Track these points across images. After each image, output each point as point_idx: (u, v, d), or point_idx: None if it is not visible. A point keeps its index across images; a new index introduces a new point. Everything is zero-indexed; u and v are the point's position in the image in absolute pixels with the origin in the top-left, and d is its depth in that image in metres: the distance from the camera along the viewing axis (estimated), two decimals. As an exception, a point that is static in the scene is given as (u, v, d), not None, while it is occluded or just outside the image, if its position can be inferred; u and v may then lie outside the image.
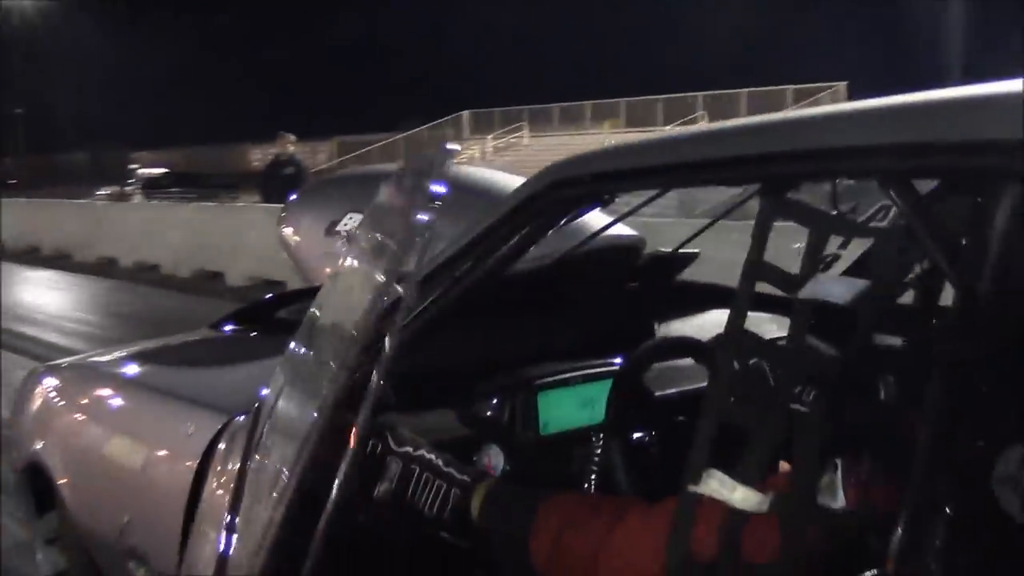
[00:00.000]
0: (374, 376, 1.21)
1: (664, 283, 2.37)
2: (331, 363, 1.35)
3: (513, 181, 2.33)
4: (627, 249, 2.30)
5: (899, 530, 0.89)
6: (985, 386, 0.88)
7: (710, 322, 2.21)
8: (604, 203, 1.51)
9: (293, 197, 3.36)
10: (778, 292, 1.16)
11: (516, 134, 37.72)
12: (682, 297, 2.36)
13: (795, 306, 1.13)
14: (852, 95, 29.80)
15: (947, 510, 0.86)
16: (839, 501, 1.10)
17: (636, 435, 1.66)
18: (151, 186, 35.08)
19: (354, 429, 1.19)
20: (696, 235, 2.21)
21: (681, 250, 2.33)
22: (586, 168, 1.42)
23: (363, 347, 1.31)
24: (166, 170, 40.13)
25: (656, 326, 2.31)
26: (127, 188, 36.00)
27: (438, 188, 1.21)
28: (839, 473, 1.14)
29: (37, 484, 2.59)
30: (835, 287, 1.15)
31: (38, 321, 8.27)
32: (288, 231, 3.09)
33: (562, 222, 1.55)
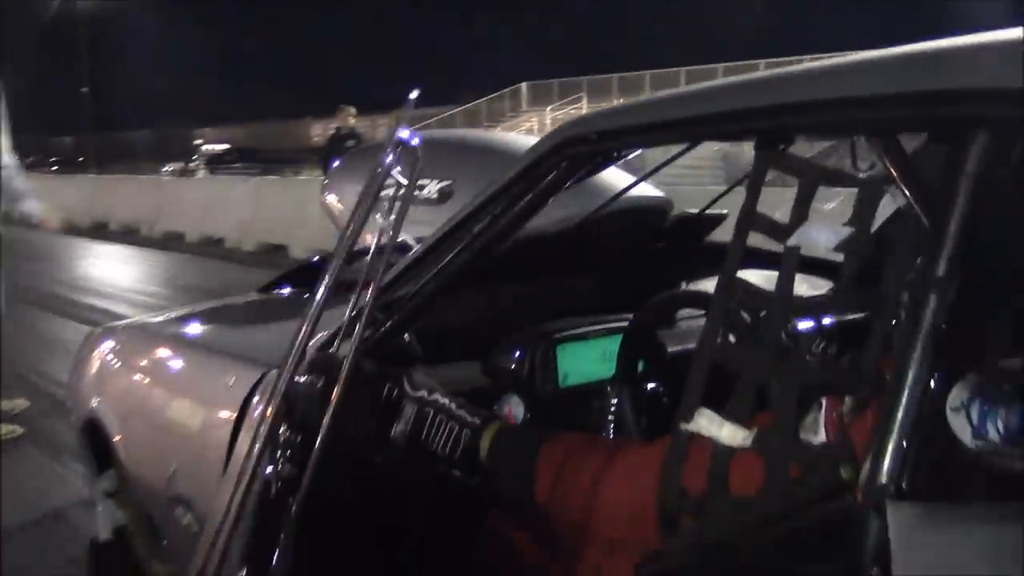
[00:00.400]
0: (361, 320, 1.29)
1: (691, 244, 2.41)
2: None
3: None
4: (653, 210, 2.35)
5: (867, 462, 0.95)
6: (942, 322, 0.92)
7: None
8: (615, 160, 1.57)
9: (336, 165, 3.45)
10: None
11: (574, 105, 37.56)
12: (709, 257, 2.39)
13: (784, 253, 1.18)
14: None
15: (903, 440, 0.91)
16: (820, 438, 1.16)
17: (649, 387, 1.72)
18: (214, 162, 35.67)
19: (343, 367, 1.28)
20: (722, 196, 2.25)
21: (708, 211, 2.37)
22: (594, 126, 1.47)
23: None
24: (228, 146, 40.78)
25: (684, 285, 2.36)
26: (191, 164, 36.67)
27: (404, 133, 1.28)
28: (822, 412, 1.19)
29: (96, 441, 2.74)
30: (821, 235, 1.20)
31: (108, 294, 8.55)
32: (331, 198, 3.18)
33: (574, 180, 1.60)
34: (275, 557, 1.18)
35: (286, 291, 2.96)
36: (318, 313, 1.31)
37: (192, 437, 2.10)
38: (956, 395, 0.89)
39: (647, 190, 2.34)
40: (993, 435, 0.87)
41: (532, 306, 2.12)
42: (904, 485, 0.90)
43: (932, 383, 0.91)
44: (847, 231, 1.15)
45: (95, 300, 8.11)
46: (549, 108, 37.23)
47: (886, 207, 1.33)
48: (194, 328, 2.65)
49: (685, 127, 1.34)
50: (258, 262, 10.84)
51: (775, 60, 32.06)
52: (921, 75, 1.06)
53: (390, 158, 1.31)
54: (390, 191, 2.45)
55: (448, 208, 2.94)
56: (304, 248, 10.96)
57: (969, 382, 0.89)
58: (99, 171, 30.71)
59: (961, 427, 0.88)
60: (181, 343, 2.47)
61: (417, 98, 1.59)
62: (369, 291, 1.34)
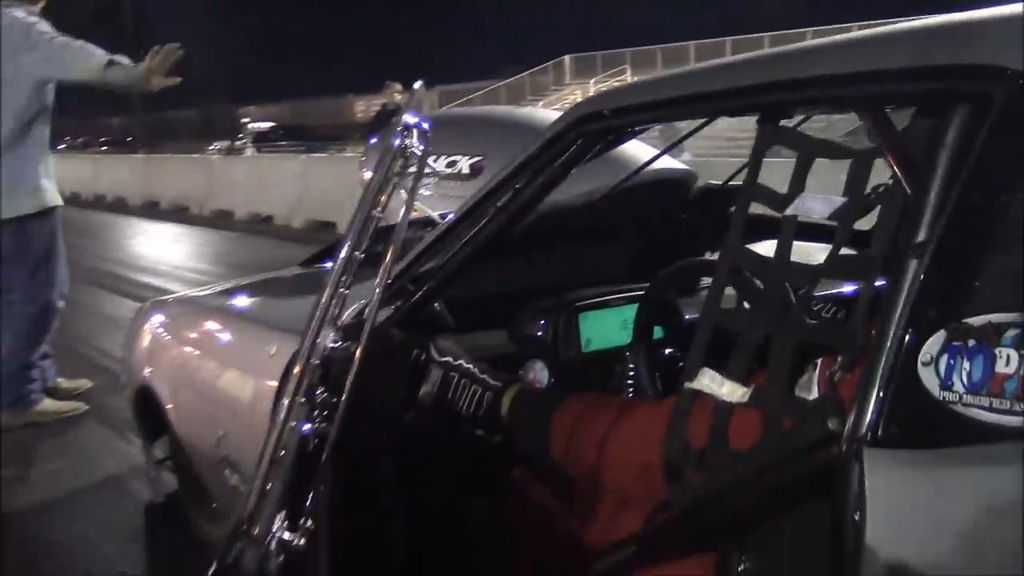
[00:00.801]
0: (376, 291, 1.39)
1: (715, 214, 2.47)
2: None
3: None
4: (678, 182, 2.42)
5: (852, 414, 1.02)
6: (917, 279, 1.00)
7: (767, 249, 2.31)
8: (629, 136, 1.64)
9: (373, 141, 3.56)
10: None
11: (618, 78, 37.35)
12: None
13: (782, 222, 1.26)
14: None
15: (881, 392, 0.99)
16: (813, 394, 1.24)
17: (666, 352, 1.79)
18: (260, 140, 36.00)
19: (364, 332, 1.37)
20: (741, 170, 2.30)
21: (731, 183, 2.43)
22: (608, 103, 1.55)
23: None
24: (273, 124, 41.13)
25: (708, 255, 2.42)
26: (237, 142, 37.06)
27: (412, 118, 1.36)
28: (816, 371, 1.27)
29: (149, 410, 2.88)
30: (816, 204, 1.27)
31: (161, 272, 8.77)
32: (368, 175, 3.27)
33: (591, 156, 1.68)
34: (308, 502, 1.29)
35: (327, 266, 3.07)
36: (338, 279, 1.41)
37: (238, 403, 2.22)
38: (926, 350, 0.96)
39: (671, 163, 2.41)
40: (958, 387, 0.94)
41: (558, 276, 2.20)
42: (880, 434, 0.98)
43: (906, 340, 0.99)
44: (841, 201, 1.22)
45: (148, 278, 8.32)
46: (593, 80, 37.06)
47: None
48: (239, 301, 2.77)
49: (693, 103, 1.42)
50: (307, 239, 10.95)
51: (822, 28, 31.60)
52: (905, 52, 1.13)
53: (397, 141, 1.40)
54: (430, 187, 2.56)
55: (479, 183, 3.02)
56: (352, 224, 11.06)
57: (938, 338, 0.96)
58: (147, 150, 31.22)
59: (931, 380, 0.96)
60: (227, 315, 2.59)
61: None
62: (388, 257, 1.44)
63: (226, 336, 2.46)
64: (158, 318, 2.93)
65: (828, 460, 1.04)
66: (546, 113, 3.07)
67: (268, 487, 1.27)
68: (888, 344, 1.00)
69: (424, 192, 2.91)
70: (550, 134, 1.63)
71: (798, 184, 1.29)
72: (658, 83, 1.52)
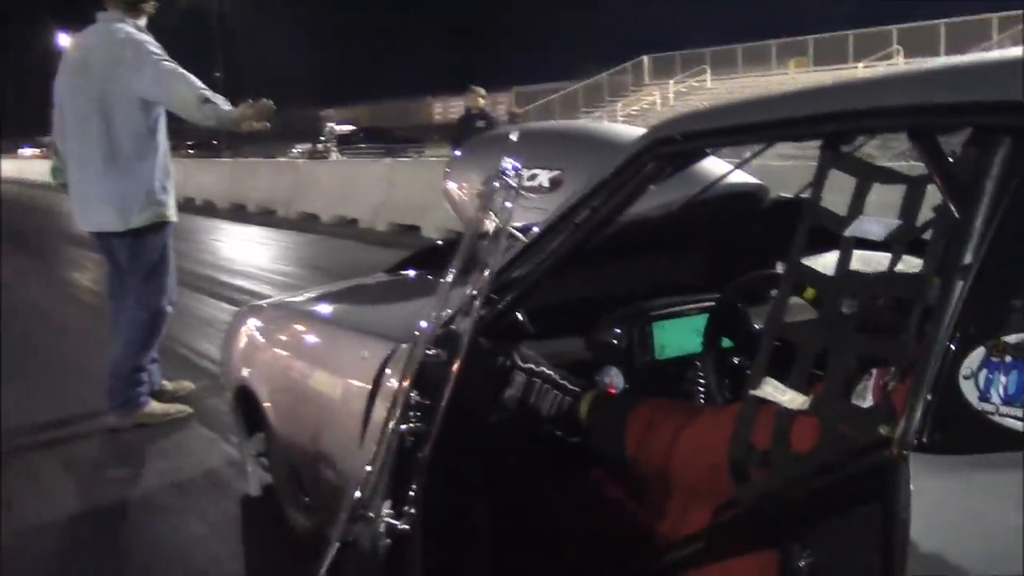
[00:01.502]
0: (475, 302, 1.52)
1: (786, 227, 2.55)
2: (467, 290, 1.68)
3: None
4: (750, 195, 2.51)
5: (902, 421, 1.13)
6: (961, 299, 1.10)
7: (830, 263, 2.39)
8: (700, 159, 1.75)
9: (456, 155, 3.70)
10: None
11: (698, 78, 37.06)
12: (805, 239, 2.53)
13: (841, 241, 1.37)
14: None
15: (926, 402, 1.09)
16: (867, 402, 1.33)
17: (735, 360, 1.90)
18: (342, 142, 36.54)
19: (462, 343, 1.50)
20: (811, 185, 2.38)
21: (803, 195, 2.51)
22: (681, 128, 1.67)
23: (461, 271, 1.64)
24: (353, 127, 41.70)
25: (779, 267, 2.50)
26: (319, 145, 37.69)
27: (508, 163, 1.48)
28: (871, 380, 1.37)
29: (247, 407, 3.07)
30: (873, 226, 1.37)
31: (251, 275, 9.08)
32: (451, 186, 3.42)
33: (664, 177, 1.79)
34: (409, 494, 1.43)
35: (411, 273, 3.24)
36: (446, 295, 1.54)
37: (333, 403, 2.38)
38: (967, 365, 1.06)
39: (744, 176, 2.50)
40: (995, 399, 1.04)
41: (633, 285, 2.31)
42: (925, 440, 1.08)
43: (950, 355, 1.09)
44: (896, 223, 1.32)
45: (239, 280, 8.63)
46: (672, 80, 36.83)
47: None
48: (330, 306, 2.95)
49: (760, 130, 1.53)
50: (391, 242, 11.19)
51: (908, 25, 30.85)
52: (954, 88, 1.22)
53: (496, 185, 1.53)
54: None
55: (558, 196, 3.15)
56: (436, 228, 11.26)
57: (978, 354, 1.05)
58: (231, 153, 31.98)
59: (971, 392, 1.05)
60: (320, 320, 2.77)
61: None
62: (485, 275, 1.57)
63: (321, 340, 2.62)
64: (255, 322, 3.12)
65: (880, 463, 1.14)
66: (622, 128, 3.18)
67: (377, 479, 1.41)
68: (933, 358, 1.10)
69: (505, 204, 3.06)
70: (627, 156, 1.75)
71: (857, 206, 1.39)
72: (727, 111, 1.63)
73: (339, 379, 2.40)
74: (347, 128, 41.25)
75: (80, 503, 3.54)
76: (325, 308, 2.89)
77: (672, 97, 36.31)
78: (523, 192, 2.23)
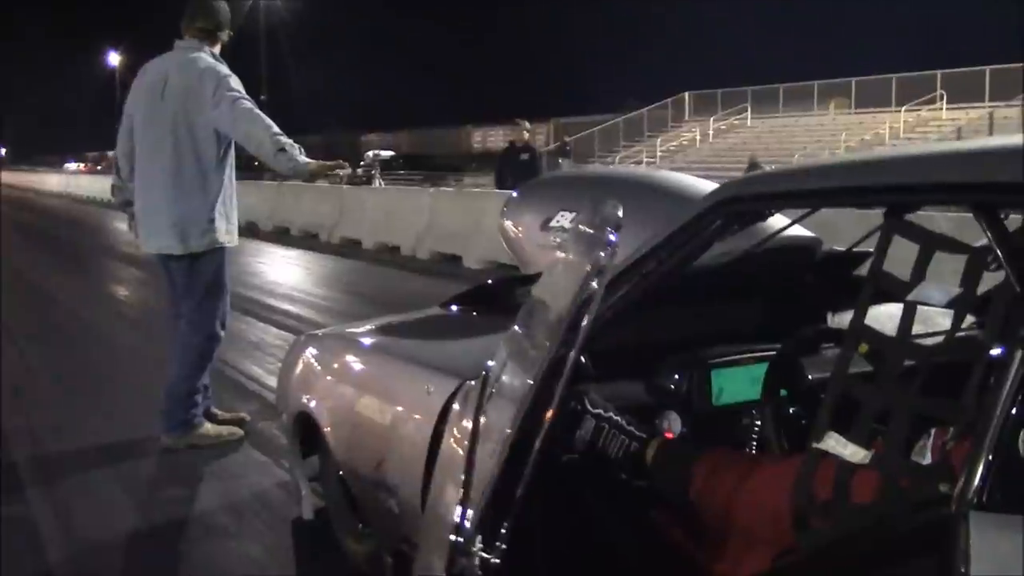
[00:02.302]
0: (572, 352, 1.59)
1: (838, 278, 2.64)
2: (545, 341, 1.76)
3: (707, 187, 2.66)
4: (805, 248, 2.59)
5: (961, 479, 1.20)
6: (1022, 366, 1.17)
7: (882, 315, 2.47)
8: (764, 218, 1.85)
9: (514, 195, 3.80)
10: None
11: (739, 115, 37.13)
12: (855, 292, 2.61)
13: (904, 306, 1.46)
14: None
15: (987, 463, 1.17)
16: (927, 460, 1.41)
17: (791, 410, 1.97)
18: (382, 168, 36.76)
19: (556, 394, 1.58)
20: (865, 238, 2.47)
21: (855, 249, 2.59)
22: (750, 189, 1.77)
23: (567, 328, 1.70)
24: (393, 153, 42.03)
25: (830, 317, 2.58)
26: (359, 170, 37.90)
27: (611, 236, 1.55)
28: (931, 439, 1.45)
29: (304, 433, 3.17)
30: (934, 292, 1.45)
31: (296, 299, 9.24)
32: (509, 224, 3.52)
33: (731, 233, 1.88)
34: (502, 530, 1.52)
35: (455, 309, 3.34)
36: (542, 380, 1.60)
37: (397, 434, 2.48)
38: (1024, 435, 1.14)
39: (800, 230, 2.59)
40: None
41: (691, 332, 2.39)
42: (985, 498, 1.16)
43: (1010, 419, 1.17)
44: (957, 290, 1.40)
45: (286, 304, 8.77)
46: (712, 118, 36.90)
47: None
48: (393, 339, 3.04)
49: (826, 196, 1.62)
50: (432, 271, 11.36)
51: (952, 71, 30.70)
52: (1012, 168, 1.31)
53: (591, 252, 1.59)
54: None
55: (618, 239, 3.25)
56: (477, 259, 11.40)
57: (1038, 424, 1.14)
58: (273, 175, 32.34)
59: (1030, 455, 1.13)
60: (384, 351, 2.87)
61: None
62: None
63: (385, 372, 2.72)
64: (316, 350, 3.23)
65: (939, 519, 1.22)
66: (679, 176, 3.27)
67: (479, 513, 1.50)
68: (995, 422, 1.18)
69: (555, 243, 3.18)
70: (696, 211, 1.85)
71: (919, 273, 1.48)
72: (792, 176, 1.72)
73: (403, 411, 2.49)
74: (386, 154, 41.57)
75: (138, 521, 3.66)
76: (388, 340, 2.99)
77: (711, 134, 36.38)
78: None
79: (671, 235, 1.88)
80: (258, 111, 4.22)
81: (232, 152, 4.37)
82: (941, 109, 30.69)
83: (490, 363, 2.17)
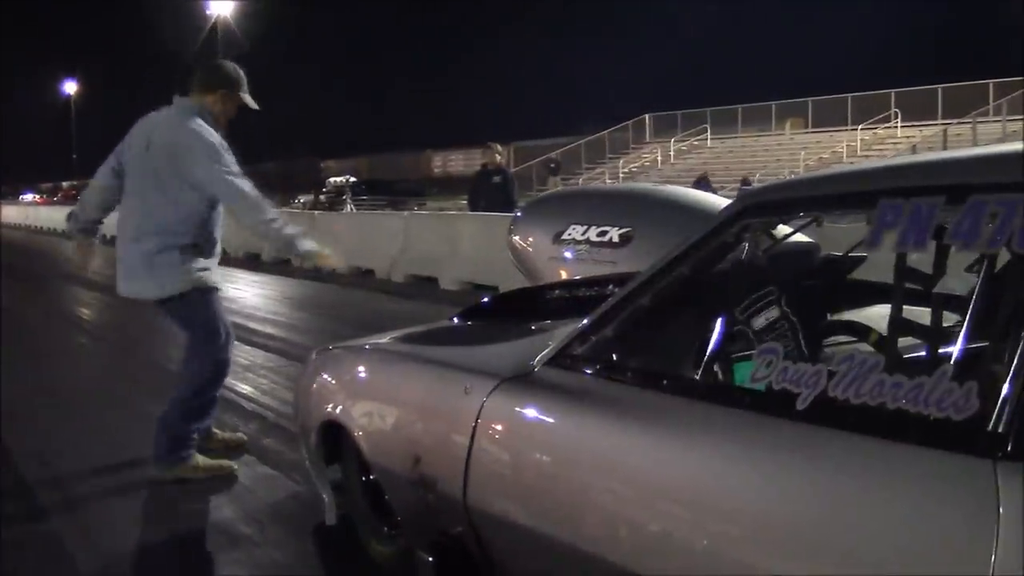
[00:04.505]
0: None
1: (836, 281, 2.85)
2: None
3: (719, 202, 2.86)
4: (805, 253, 2.81)
5: None
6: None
7: (875, 314, 2.68)
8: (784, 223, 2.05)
9: (519, 213, 4.00)
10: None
11: (698, 136, 37.73)
12: (851, 293, 2.83)
13: (933, 297, 1.67)
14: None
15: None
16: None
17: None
18: (341, 193, 36.69)
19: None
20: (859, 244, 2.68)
21: (851, 254, 2.81)
22: (771, 196, 1.97)
23: None
24: (354, 179, 42.03)
25: (828, 317, 2.79)
26: (322, 196, 37.93)
27: None
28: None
29: (327, 440, 3.31)
30: (956, 284, 1.68)
31: (278, 323, 9.37)
32: (517, 239, 3.71)
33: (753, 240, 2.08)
34: None
35: (455, 320, 3.53)
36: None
37: (435, 432, 2.64)
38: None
39: (800, 236, 2.80)
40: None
41: (708, 329, 2.58)
42: (1009, 450, 1.36)
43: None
44: (972, 281, 1.61)
45: (268, 328, 8.84)
46: (673, 139, 37.47)
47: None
48: (413, 346, 3.20)
49: (852, 201, 1.82)
50: (407, 294, 11.48)
51: (905, 90, 31.46)
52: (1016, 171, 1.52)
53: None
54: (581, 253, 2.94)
55: (629, 251, 3.48)
56: (453, 280, 11.57)
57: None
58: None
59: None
60: (410, 357, 3.02)
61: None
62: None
63: (418, 375, 2.86)
64: (334, 362, 3.38)
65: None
66: (685, 191, 3.49)
67: None
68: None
69: (568, 254, 3.36)
70: (719, 219, 2.05)
71: (940, 268, 1.70)
72: (816, 182, 1.93)
73: (441, 410, 2.65)
74: (349, 180, 41.63)
75: (163, 533, 3.79)
76: (414, 347, 3.14)
77: (672, 155, 36.93)
78: (592, 246, 2.50)
79: (695, 242, 2.07)
80: (251, 192, 4.19)
81: (216, 209, 4.31)
82: (896, 127, 31.47)
83: (532, 362, 2.37)
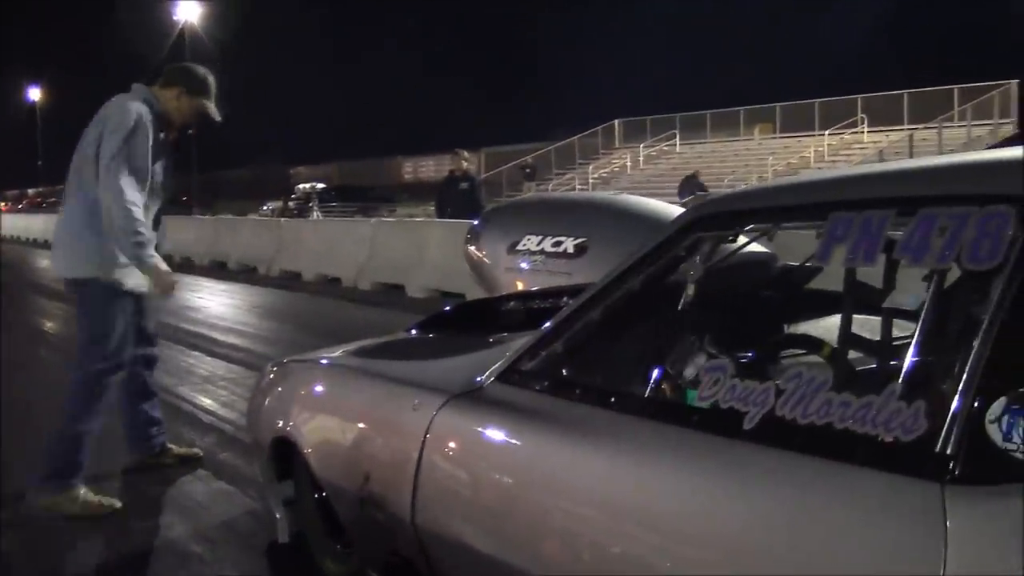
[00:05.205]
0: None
1: (793, 291, 2.81)
2: None
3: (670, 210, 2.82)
4: (762, 263, 2.76)
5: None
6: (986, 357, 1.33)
7: (833, 325, 2.65)
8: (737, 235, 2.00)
9: (476, 223, 3.94)
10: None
11: (668, 142, 37.87)
12: (807, 303, 2.79)
13: (884, 311, 1.63)
14: (1022, 94, 28.72)
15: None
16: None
17: None
18: (311, 200, 36.48)
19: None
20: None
21: (807, 264, 2.76)
22: (725, 207, 1.92)
23: None
24: (324, 185, 41.83)
25: (785, 328, 2.75)
26: (291, 203, 37.72)
27: None
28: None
29: (279, 456, 3.23)
30: (905, 299, 1.63)
31: (242, 332, 9.24)
32: (473, 249, 3.65)
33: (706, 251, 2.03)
34: None
35: (413, 332, 3.46)
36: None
37: (384, 449, 2.57)
38: (992, 411, 1.30)
39: (756, 246, 2.76)
40: (1015, 439, 1.27)
41: (665, 344, 2.54)
42: (957, 472, 1.31)
43: (977, 403, 1.32)
44: (923, 296, 1.57)
45: (232, 338, 8.69)
46: (642, 145, 37.59)
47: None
48: (365, 360, 3.13)
49: (805, 212, 1.78)
50: (374, 301, 11.36)
51: (872, 95, 31.77)
52: (966, 182, 1.48)
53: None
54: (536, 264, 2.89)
55: (585, 261, 3.43)
56: (420, 288, 11.48)
57: (1000, 403, 1.29)
58: (201, 209, 32.08)
59: (995, 433, 1.29)
60: (365, 372, 2.95)
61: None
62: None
63: (368, 390, 2.80)
64: (287, 376, 3.31)
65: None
66: (643, 200, 3.44)
67: None
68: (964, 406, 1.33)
69: (524, 265, 3.29)
70: (671, 230, 2.00)
71: (890, 282, 1.65)
72: (769, 192, 1.89)
73: (389, 427, 2.58)
74: (318, 186, 41.41)
75: (110, 554, 3.69)
76: (365, 362, 3.08)
77: (642, 160, 37.04)
78: (548, 257, 2.45)
79: (646, 254, 2.02)
80: (127, 191, 3.91)
81: (149, 192, 4.09)
82: (863, 132, 31.74)
83: (478, 378, 2.30)
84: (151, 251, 3.96)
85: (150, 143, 4.01)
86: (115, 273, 4.03)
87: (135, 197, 3.91)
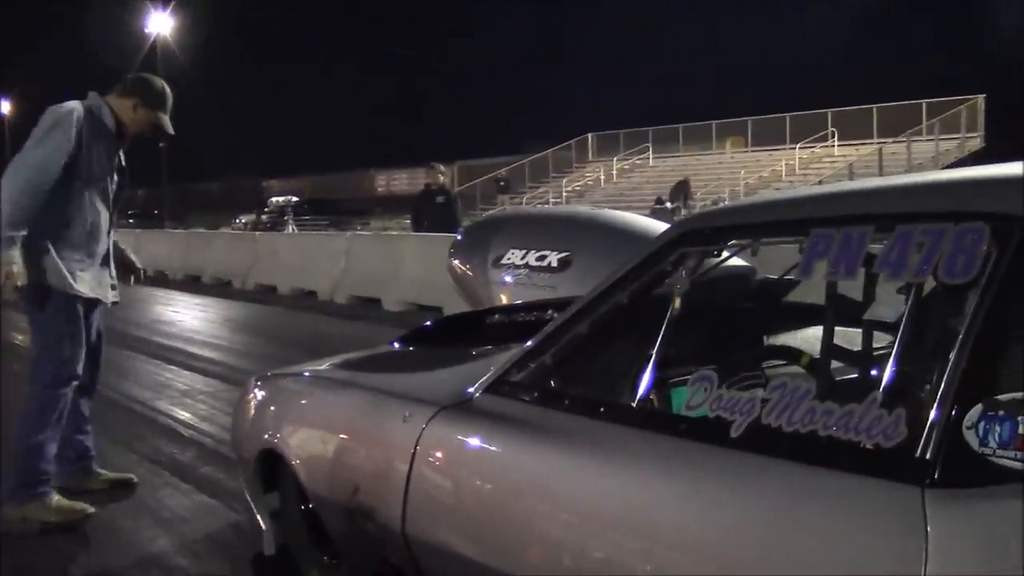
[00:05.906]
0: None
1: (772, 304, 2.88)
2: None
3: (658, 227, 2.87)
4: (741, 276, 2.83)
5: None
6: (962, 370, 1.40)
7: (811, 336, 2.72)
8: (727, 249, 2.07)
9: (459, 236, 3.99)
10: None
11: (640, 155, 38.11)
12: (786, 315, 2.86)
13: (864, 323, 1.69)
14: (989, 108, 29.20)
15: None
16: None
17: None
18: (284, 213, 36.39)
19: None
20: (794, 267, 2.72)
21: (786, 277, 2.84)
22: (710, 223, 1.99)
23: None
24: (296, 199, 41.74)
25: (765, 339, 2.82)
26: (264, 216, 37.59)
27: None
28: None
29: (265, 469, 3.25)
30: (885, 311, 1.70)
31: (219, 346, 9.21)
32: (457, 262, 3.70)
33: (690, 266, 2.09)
34: None
35: (396, 346, 3.50)
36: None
37: (374, 460, 2.60)
38: (969, 418, 1.36)
39: (736, 260, 2.83)
40: (992, 444, 1.34)
41: (646, 354, 2.59)
42: (936, 477, 1.37)
43: (954, 410, 1.39)
44: (902, 309, 1.63)
45: (209, 352, 8.67)
46: (615, 158, 37.80)
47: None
48: (352, 372, 3.16)
49: (787, 228, 1.84)
50: (350, 315, 11.36)
51: (842, 109, 32.14)
52: (946, 199, 1.55)
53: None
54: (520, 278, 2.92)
55: (568, 275, 3.48)
56: (397, 301, 11.49)
57: (977, 410, 1.36)
58: (174, 223, 31.90)
59: (972, 438, 1.35)
60: (348, 383, 2.99)
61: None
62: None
63: (357, 402, 2.83)
64: (272, 389, 3.33)
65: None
66: (625, 215, 3.51)
67: None
68: (943, 413, 1.40)
69: (508, 278, 3.35)
70: (656, 246, 2.06)
71: (869, 296, 1.72)
72: (755, 209, 1.95)
73: (379, 438, 2.61)
74: (292, 199, 41.32)
75: (93, 567, 3.68)
76: (352, 374, 3.11)
77: (615, 174, 37.25)
78: (531, 270, 2.50)
79: (631, 269, 2.08)
80: (25, 173, 3.84)
81: (87, 199, 4.04)
82: (833, 146, 32.12)
83: (469, 390, 2.35)
84: (12, 250, 3.76)
85: (72, 142, 3.92)
86: (61, 279, 3.95)
87: (23, 191, 3.80)
